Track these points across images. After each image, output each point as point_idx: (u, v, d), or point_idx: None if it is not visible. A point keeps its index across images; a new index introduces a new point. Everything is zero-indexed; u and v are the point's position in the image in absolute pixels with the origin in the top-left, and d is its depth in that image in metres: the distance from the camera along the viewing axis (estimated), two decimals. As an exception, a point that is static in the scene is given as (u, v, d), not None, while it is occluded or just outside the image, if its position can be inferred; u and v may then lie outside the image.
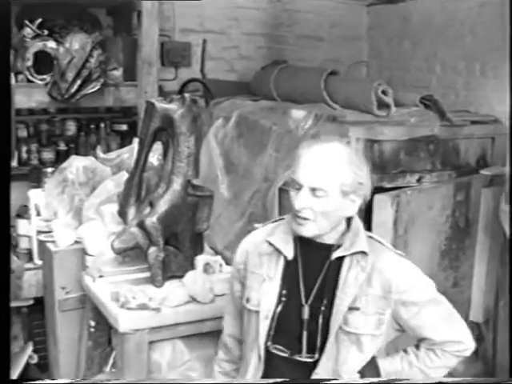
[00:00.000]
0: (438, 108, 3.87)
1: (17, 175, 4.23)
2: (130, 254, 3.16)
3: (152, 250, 2.98)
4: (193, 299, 2.95)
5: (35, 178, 4.39)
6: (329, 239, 2.17)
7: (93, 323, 3.31)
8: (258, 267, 2.23)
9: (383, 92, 3.74)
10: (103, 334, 3.37)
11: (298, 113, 3.85)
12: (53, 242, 3.49)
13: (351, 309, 2.11)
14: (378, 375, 2.21)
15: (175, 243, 3.09)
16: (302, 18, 5.62)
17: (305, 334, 2.13)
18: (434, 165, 3.87)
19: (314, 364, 2.13)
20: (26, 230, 3.87)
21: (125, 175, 3.42)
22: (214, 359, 2.51)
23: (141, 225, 2.98)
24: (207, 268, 3.11)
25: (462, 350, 2.24)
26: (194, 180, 3.04)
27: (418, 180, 3.79)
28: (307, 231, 2.11)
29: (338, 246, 2.16)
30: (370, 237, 2.24)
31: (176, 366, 3.03)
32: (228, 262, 3.20)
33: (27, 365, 4.01)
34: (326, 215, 2.08)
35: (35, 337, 4.21)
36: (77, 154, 4.43)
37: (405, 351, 2.27)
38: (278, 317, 2.16)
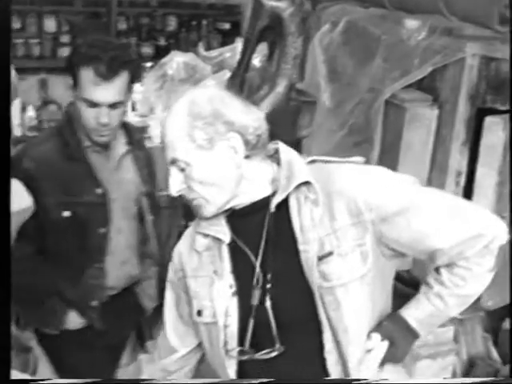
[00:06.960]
0: None
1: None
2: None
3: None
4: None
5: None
6: (257, 194, 1.69)
7: None
8: (200, 269, 1.76)
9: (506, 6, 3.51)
10: None
11: (411, 22, 3.65)
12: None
13: (322, 257, 1.63)
14: (410, 330, 1.72)
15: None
16: None
17: (273, 323, 1.66)
18: None
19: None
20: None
21: (227, 74, 3.34)
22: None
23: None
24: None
25: (488, 243, 1.63)
26: (298, 84, 2.94)
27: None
28: (205, 212, 1.67)
29: (275, 193, 1.67)
30: (313, 161, 1.73)
31: None
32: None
33: None
34: (206, 184, 1.63)
35: None
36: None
37: (426, 284, 1.73)
38: (239, 318, 1.70)
